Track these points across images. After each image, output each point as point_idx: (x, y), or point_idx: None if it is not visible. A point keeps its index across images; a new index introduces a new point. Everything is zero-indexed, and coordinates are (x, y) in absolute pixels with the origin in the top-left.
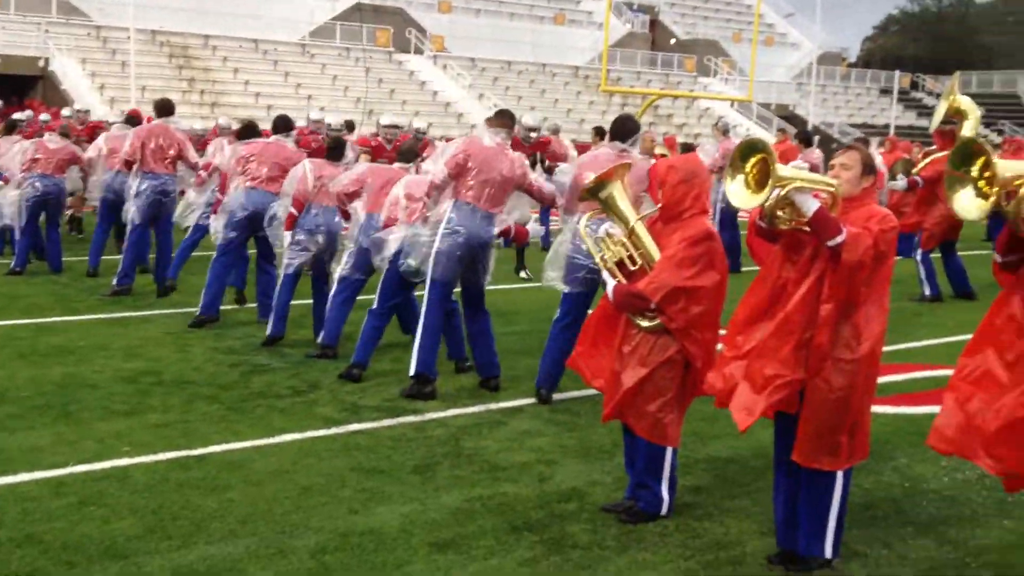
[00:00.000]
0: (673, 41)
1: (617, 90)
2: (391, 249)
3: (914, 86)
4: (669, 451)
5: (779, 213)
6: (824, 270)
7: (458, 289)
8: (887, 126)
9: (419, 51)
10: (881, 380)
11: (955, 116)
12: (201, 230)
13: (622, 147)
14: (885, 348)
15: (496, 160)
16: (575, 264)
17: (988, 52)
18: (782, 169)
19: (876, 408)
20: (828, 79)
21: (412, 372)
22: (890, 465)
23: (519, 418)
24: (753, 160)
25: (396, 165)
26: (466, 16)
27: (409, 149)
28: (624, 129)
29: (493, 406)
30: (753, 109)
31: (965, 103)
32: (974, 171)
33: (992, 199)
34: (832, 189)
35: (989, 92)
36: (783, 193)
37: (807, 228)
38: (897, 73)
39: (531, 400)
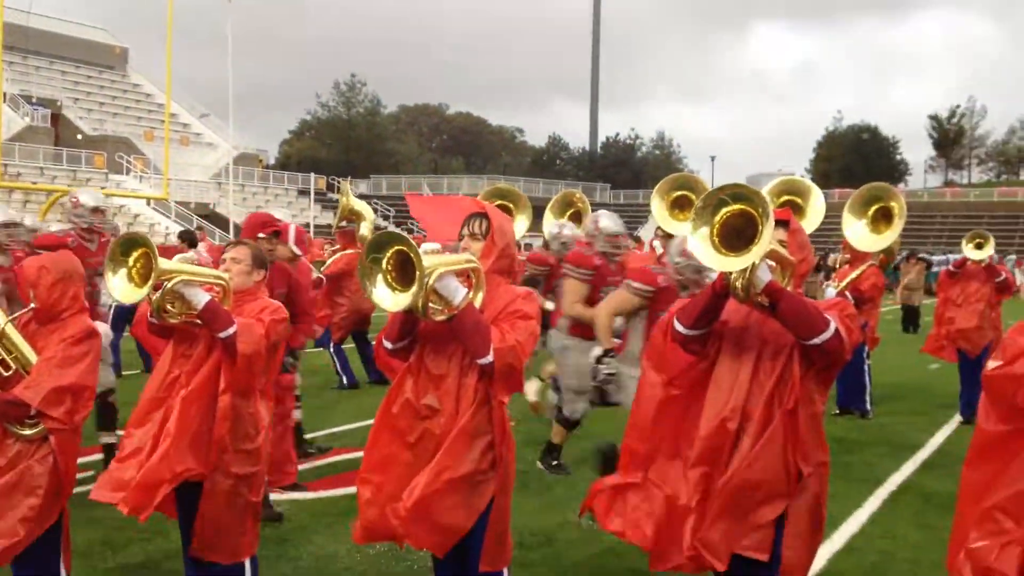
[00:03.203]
0: (80, 136)
1: (17, 186)
2: None
3: (331, 188)
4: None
5: (168, 307)
6: (219, 362)
7: None
8: (308, 225)
9: None
10: (303, 467)
11: (352, 217)
12: None
13: None
14: (311, 434)
15: None
16: None
17: (394, 157)
18: (165, 263)
19: (296, 494)
20: (247, 179)
21: None
22: (307, 550)
23: None
24: (136, 254)
25: None
26: None
27: None
28: None
29: None
30: (172, 207)
31: (359, 205)
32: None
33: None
34: (222, 283)
35: (398, 195)
36: (170, 287)
37: (199, 321)
38: (312, 175)
39: None
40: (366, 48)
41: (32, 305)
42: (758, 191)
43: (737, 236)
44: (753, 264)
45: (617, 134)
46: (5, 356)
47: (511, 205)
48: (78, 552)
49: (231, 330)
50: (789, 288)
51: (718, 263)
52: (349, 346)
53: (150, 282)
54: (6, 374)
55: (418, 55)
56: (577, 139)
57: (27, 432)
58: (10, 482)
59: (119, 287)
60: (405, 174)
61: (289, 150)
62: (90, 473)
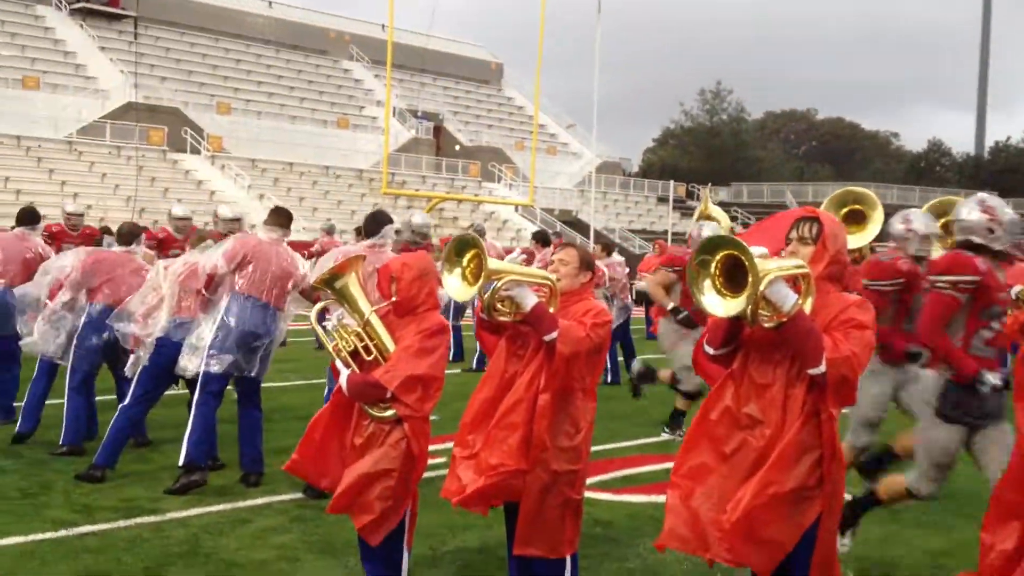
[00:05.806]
0: (458, 147)
1: (399, 192)
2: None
3: (690, 195)
4: (406, 550)
5: (499, 306)
6: (543, 362)
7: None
8: (665, 232)
9: (195, 151)
10: (628, 471)
11: (708, 221)
12: None
13: (371, 242)
14: (631, 442)
15: (274, 255)
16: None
17: (758, 164)
18: (495, 263)
19: (625, 496)
20: (608, 187)
21: (181, 462)
22: (635, 552)
23: (265, 515)
24: (469, 255)
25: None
26: (246, 117)
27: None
28: (373, 223)
29: (240, 504)
30: (537, 214)
31: (715, 211)
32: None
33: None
34: (548, 283)
35: (760, 202)
36: (500, 286)
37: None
38: (672, 183)
39: (280, 497)
40: (731, 54)
41: (393, 298)
42: None
43: None
44: None
45: (1008, 138)
46: (368, 342)
47: (863, 208)
48: (420, 532)
49: (555, 334)
50: None
51: None
52: None
53: (480, 281)
54: (367, 358)
55: (786, 61)
56: (957, 144)
57: (383, 414)
58: (369, 463)
59: (454, 285)
60: (768, 181)
61: (652, 158)
62: (441, 460)
